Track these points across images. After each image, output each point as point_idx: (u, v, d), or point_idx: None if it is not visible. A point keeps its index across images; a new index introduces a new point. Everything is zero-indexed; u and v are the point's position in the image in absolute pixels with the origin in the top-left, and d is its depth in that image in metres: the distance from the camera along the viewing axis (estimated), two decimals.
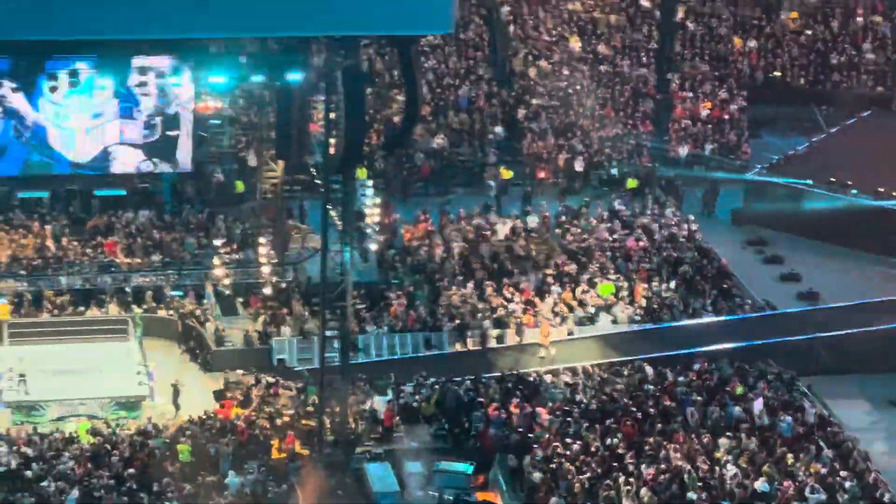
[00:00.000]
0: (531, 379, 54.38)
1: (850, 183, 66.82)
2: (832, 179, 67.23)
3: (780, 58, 77.80)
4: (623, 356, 55.99)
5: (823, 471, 49.39)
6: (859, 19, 79.58)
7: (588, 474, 48.23)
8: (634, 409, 52.35)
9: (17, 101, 46.76)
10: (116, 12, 42.42)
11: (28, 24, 41.95)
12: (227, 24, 43.72)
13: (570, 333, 57.24)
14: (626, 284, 59.84)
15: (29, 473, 47.49)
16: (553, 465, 48.87)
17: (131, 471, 47.88)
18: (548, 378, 54.33)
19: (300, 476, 49.00)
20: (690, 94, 75.00)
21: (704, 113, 73.98)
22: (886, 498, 48.54)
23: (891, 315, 59.47)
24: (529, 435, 50.77)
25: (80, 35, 44.24)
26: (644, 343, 56.70)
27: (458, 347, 56.78)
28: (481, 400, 52.77)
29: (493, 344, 56.84)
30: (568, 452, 49.51)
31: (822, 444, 50.91)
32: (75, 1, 42.43)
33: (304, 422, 51.25)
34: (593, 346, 56.78)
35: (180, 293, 59.22)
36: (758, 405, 52.74)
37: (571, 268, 60.62)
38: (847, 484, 48.74)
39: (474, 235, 63.01)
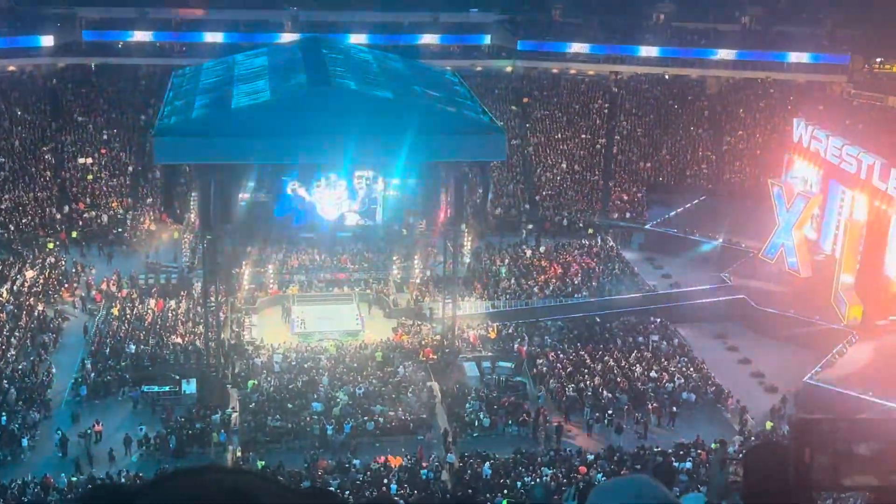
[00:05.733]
0: (541, 322, 54.25)
1: (695, 231, 66.23)
2: (686, 229, 66.59)
3: (662, 171, 77.31)
4: (585, 312, 55.48)
5: (682, 368, 49.14)
6: (699, 152, 78.88)
7: (569, 369, 48.22)
8: (591, 339, 52.29)
9: (301, 191, 47.08)
10: (351, 155, 43.35)
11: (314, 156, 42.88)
12: (401, 158, 44.55)
13: (560, 301, 56.65)
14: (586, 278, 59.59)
15: (306, 366, 48.01)
16: (552, 365, 48.92)
17: (354, 365, 48.33)
18: (549, 321, 54.15)
19: (433, 368, 49.31)
20: (619, 189, 74.57)
21: (625, 197, 73.52)
22: (711, 380, 48.13)
23: (713, 293, 58.63)
24: (541, 349, 50.75)
25: (337, 161, 45.10)
26: (596, 307, 56.12)
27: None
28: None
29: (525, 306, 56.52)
30: (560, 358, 49.55)
31: (681, 355, 50.63)
32: (329, 148, 43.26)
33: (434, 342, 51.35)
34: (572, 308, 56.14)
35: (376, 282, 59.03)
36: (653, 337, 52.47)
37: (560, 271, 60.34)
38: (694, 375, 48.47)
39: (514, 255, 62.98)
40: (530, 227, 69.53)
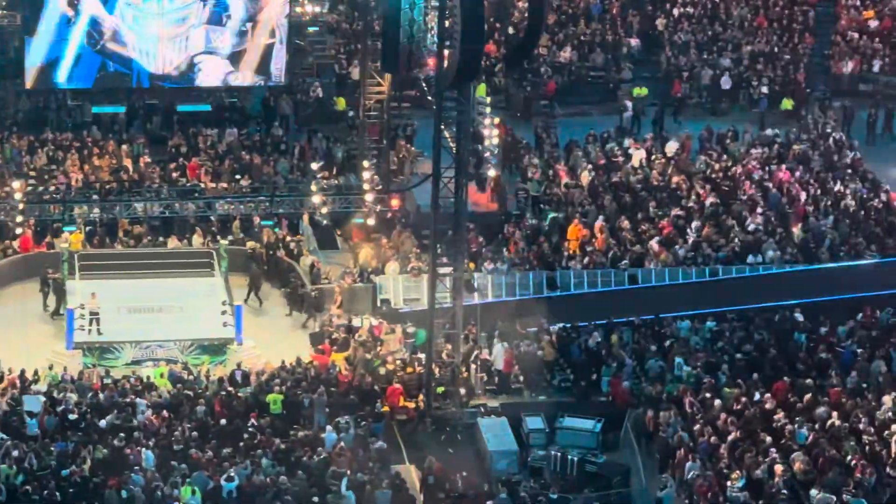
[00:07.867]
0: (669, 324, 54.41)
1: None
2: None
3: None
4: (773, 301, 55.67)
5: None
6: None
7: (732, 435, 48.18)
8: (784, 361, 52.22)
9: (91, 3, 46.59)
10: None
11: None
12: None
13: (713, 274, 56.80)
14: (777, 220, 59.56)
15: (102, 424, 47.94)
16: (692, 423, 48.88)
17: (221, 423, 48.21)
18: (687, 324, 54.28)
19: (406, 433, 49.36)
20: (857, 2, 74.15)
21: (873, 24, 73.14)
22: None
23: None
24: (665, 389, 50.75)
25: None
26: (797, 286, 56.28)
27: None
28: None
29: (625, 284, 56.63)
30: (710, 407, 49.53)
31: None
32: None
33: (409, 370, 51.46)
34: (738, 289, 56.33)
35: (271, 223, 59.32)
36: None
37: (714, 200, 60.40)
38: None
39: (605, 162, 62.86)
40: (641, 92, 69.75)
